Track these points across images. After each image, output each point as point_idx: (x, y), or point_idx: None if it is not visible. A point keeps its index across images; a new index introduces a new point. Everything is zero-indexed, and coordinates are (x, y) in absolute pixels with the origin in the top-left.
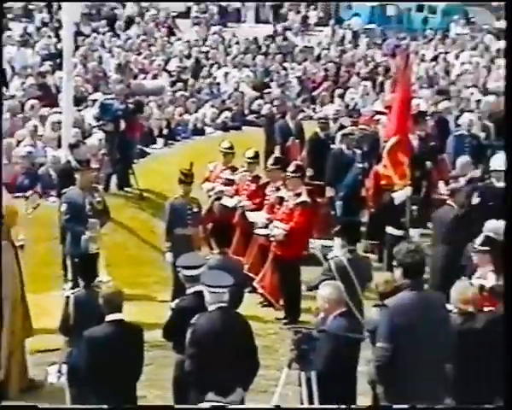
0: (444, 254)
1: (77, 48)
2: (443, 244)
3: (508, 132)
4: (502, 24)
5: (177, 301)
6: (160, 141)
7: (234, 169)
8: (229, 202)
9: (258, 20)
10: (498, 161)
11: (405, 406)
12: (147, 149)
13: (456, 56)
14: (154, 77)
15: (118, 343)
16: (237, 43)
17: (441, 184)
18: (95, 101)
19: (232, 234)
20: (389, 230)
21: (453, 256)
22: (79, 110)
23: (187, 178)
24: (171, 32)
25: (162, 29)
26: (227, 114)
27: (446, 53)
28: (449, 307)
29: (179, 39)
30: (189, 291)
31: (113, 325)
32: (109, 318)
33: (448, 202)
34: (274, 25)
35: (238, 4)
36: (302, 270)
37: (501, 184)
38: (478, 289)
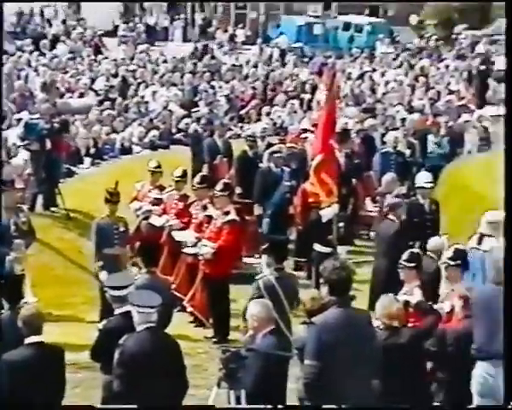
0: (385, 269)
1: (0, 66)
2: (384, 258)
3: (507, 134)
4: (422, 43)
5: (104, 321)
6: (87, 160)
7: (161, 188)
8: (156, 221)
9: (185, 39)
10: (423, 178)
11: (334, 406)
12: (74, 169)
13: (382, 75)
14: (81, 96)
15: (37, 366)
16: (165, 61)
17: (368, 201)
18: (19, 120)
19: (159, 253)
20: (317, 247)
21: (395, 270)
22: (3, 130)
23: (113, 198)
24: (97, 51)
25: (89, 47)
26: (155, 132)
27: (373, 71)
28: (375, 322)
29: (106, 58)
30: (116, 312)
31: (33, 347)
32: (28, 340)
33: (389, 216)
34: (195, 42)
35: (166, 23)
36: (231, 288)
37: (426, 201)
38: (403, 305)
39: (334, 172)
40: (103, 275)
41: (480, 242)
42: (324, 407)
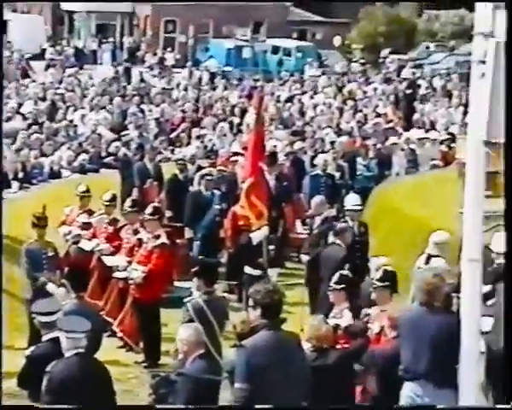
0: None
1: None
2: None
3: (508, 135)
4: (349, 66)
5: (32, 348)
6: (15, 184)
7: (91, 212)
8: (86, 245)
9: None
10: (352, 200)
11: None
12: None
13: (311, 98)
14: (8, 119)
15: None
16: (93, 85)
17: (298, 224)
18: None
19: (88, 278)
20: (247, 270)
21: None
22: None
23: (40, 222)
24: (25, 74)
25: (16, 71)
26: (84, 156)
27: (303, 94)
28: (304, 344)
29: (34, 81)
30: (44, 338)
31: None
32: None
33: (336, 241)
34: (116, 66)
35: (94, 46)
36: (162, 312)
37: (355, 223)
38: (333, 328)
39: (264, 194)
40: (51, 287)
41: (427, 262)
42: (257, 406)
